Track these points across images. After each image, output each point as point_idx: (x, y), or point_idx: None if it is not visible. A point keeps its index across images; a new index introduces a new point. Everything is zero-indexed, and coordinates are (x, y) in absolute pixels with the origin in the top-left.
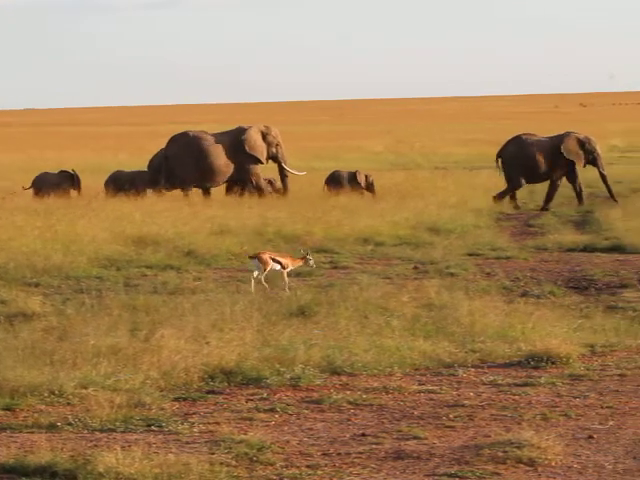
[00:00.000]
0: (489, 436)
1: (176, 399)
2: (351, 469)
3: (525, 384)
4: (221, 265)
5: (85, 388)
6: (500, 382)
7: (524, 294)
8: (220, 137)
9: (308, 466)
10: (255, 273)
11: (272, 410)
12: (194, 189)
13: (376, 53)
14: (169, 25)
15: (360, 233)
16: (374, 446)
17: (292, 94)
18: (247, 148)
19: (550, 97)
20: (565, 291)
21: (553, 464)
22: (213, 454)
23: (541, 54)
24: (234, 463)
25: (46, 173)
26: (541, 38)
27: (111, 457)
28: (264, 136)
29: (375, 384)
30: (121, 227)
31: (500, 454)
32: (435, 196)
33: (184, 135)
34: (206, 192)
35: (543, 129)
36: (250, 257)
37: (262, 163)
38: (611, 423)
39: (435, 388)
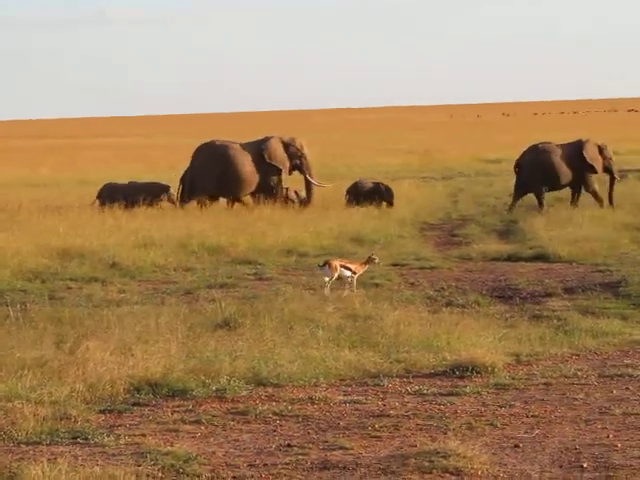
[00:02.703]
0: (415, 446)
1: (102, 411)
2: None
3: (450, 394)
4: (146, 277)
5: (10, 401)
6: (425, 392)
7: (449, 304)
8: (245, 147)
9: (234, 477)
10: (326, 279)
11: (198, 422)
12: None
13: (298, 68)
14: (93, 41)
15: (284, 244)
16: (300, 457)
17: (210, 106)
18: (267, 157)
19: (473, 107)
20: (490, 300)
21: (479, 473)
22: (139, 466)
23: (464, 65)
24: (160, 475)
25: None
26: (464, 49)
27: (37, 470)
28: (287, 147)
29: (301, 395)
30: (46, 240)
31: (426, 464)
32: (359, 206)
33: (210, 145)
34: (235, 201)
35: (465, 138)
36: (320, 265)
37: (283, 174)
38: (537, 432)
39: (361, 398)
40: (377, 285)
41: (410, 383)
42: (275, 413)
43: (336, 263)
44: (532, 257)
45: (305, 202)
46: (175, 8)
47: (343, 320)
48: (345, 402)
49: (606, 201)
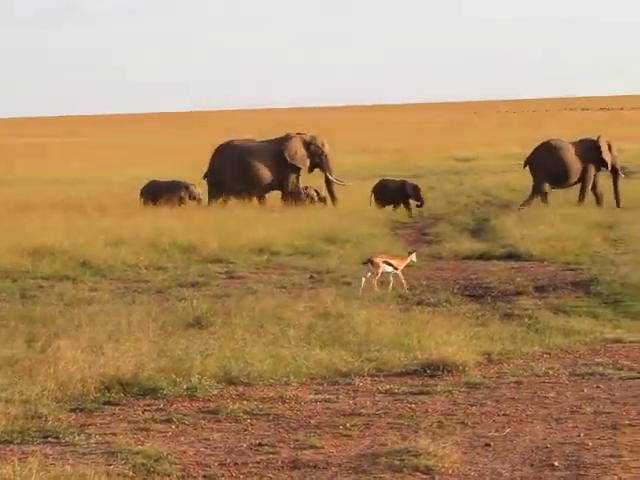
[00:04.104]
0: (386, 444)
1: (73, 410)
2: (248, 479)
3: (421, 392)
4: (117, 276)
5: None
6: (396, 391)
7: (420, 302)
8: (265, 145)
9: (205, 476)
10: (368, 274)
11: (169, 421)
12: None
13: (263, 67)
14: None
15: (256, 243)
16: (271, 456)
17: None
18: (288, 157)
19: (444, 105)
20: (461, 299)
21: (450, 472)
22: (110, 465)
23: (434, 65)
24: (131, 474)
25: None
26: (425, 47)
27: (8, 469)
28: (307, 145)
29: (271, 394)
30: (17, 238)
31: (397, 462)
32: (328, 205)
33: (229, 144)
34: (259, 200)
35: (436, 137)
36: (364, 263)
37: (303, 172)
38: (508, 430)
39: (332, 397)
40: (348, 284)
41: (381, 382)
42: (246, 412)
43: (379, 260)
44: (504, 256)
45: (325, 200)
46: None
47: (314, 319)
48: (316, 401)
49: (609, 200)
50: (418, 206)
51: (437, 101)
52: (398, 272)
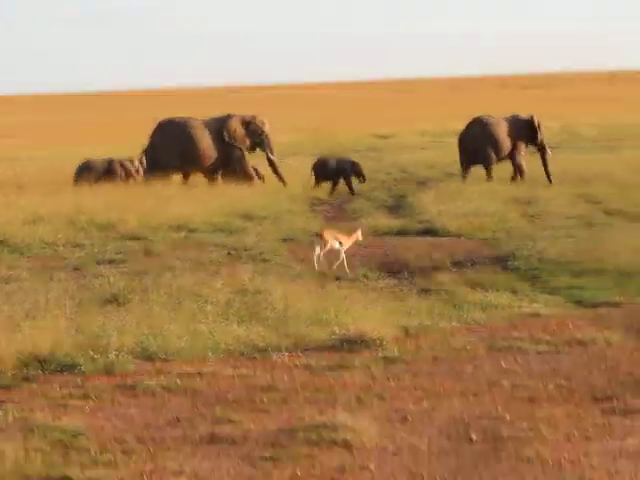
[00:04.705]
0: (304, 419)
1: None
2: (166, 454)
3: (339, 367)
4: (34, 254)
5: None
6: (314, 365)
7: (337, 278)
8: (205, 124)
9: (123, 452)
10: (317, 249)
11: (86, 396)
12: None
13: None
14: None
15: (174, 220)
16: (188, 431)
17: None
18: (226, 136)
19: (363, 84)
20: (379, 275)
21: (368, 446)
22: (28, 441)
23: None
24: (49, 450)
25: None
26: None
27: None
28: (247, 125)
29: (189, 369)
30: None
31: (315, 437)
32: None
33: (170, 122)
34: (209, 179)
35: (355, 114)
36: (313, 236)
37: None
38: (425, 405)
39: (249, 372)
40: (266, 260)
41: (299, 357)
42: (163, 387)
43: (327, 234)
44: (421, 232)
45: (264, 179)
46: None
47: (232, 295)
48: (233, 376)
49: (540, 178)
50: (360, 182)
51: (357, 79)
52: (343, 249)
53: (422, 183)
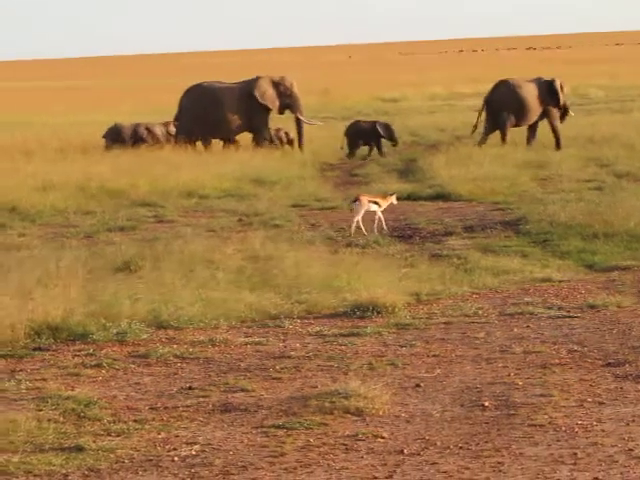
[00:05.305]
0: (316, 387)
1: (2, 356)
2: (179, 423)
3: (351, 334)
4: (45, 221)
5: None
6: (326, 333)
7: (349, 244)
8: (234, 87)
9: (135, 420)
10: (358, 214)
11: (99, 366)
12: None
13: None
14: None
15: (184, 186)
16: (201, 399)
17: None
18: (258, 97)
19: (370, 46)
20: (390, 240)
21: (380, 413)
22: (40, 411)
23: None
24: (62, 419)
25: None
26: None
27: None
28: (276, 86)
29: (201, 337)
30: None
31: (327, 404)
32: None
33: (198, 86)
34: (231, 142)
35: (364, 78)
36: (352, 201)
37: (273, 113)
38: (438, 371)
39: (261, 340)
40: (277, 226)
41: (311, 324)
42: (176, 356)
43: (365, 198)
44: (432, 196)
45: (295, 142)
46: None
47: (243, 262)
48: (246, 344)
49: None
50: (393, 145)
51: (365, 42)
52: (379, 211)
53: (432, 147)
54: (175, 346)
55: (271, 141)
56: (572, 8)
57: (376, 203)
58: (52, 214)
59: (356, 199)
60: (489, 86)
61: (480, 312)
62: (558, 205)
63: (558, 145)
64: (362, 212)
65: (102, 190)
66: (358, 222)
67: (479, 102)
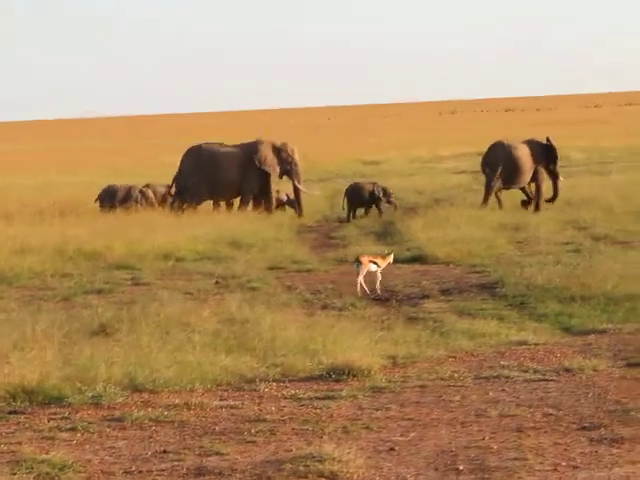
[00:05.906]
0: (291, 450)
1: None
2: None
3: (327, 397)
4: (22, 284)
5: None
6: (302, 396)
7: (325, 307)
8: (235, 150)
9: None
10: (360, 275)
11: (74, 429)
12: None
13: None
14: None
15: (160, 249)
16: (176, 463)
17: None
18: (257, 162)
19: (350, 108)
20: (366, 303)
21: (355, 477)
22: (15, 474)
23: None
24: None
25: None
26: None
27: None
28: (278, 152)
29: (177, 400)
30: None
31: (302, 468)
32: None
33: (197, 148)
34: (227, 204)
35: (341, 141)
36: (352, 262)
37: (274, 178)
38: (412, 435)
39: (237, 403)
40: (254, 289)
41: (286, 387)
42: (151, 419)
43: (365, 259)
44: (409, 259)
45: (297, 211)
46: None
47: (220, 324)
48: (221, 407)
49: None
50: (394, 209)
51: (347, 104)
52: (379, 271)
53: (410, 209)
54: (150, 409)
55: (274, 204)
56: (550, 70)
57: (375, 263)
58: (29, 277)
59: (357, 260)
60: (468, 149)
61: (456, 375)
62: (535, 268)
63: (537, 207)
64: (365, 272)
65: (79, 253)
66: (361, 281)
67: (459, 164)
